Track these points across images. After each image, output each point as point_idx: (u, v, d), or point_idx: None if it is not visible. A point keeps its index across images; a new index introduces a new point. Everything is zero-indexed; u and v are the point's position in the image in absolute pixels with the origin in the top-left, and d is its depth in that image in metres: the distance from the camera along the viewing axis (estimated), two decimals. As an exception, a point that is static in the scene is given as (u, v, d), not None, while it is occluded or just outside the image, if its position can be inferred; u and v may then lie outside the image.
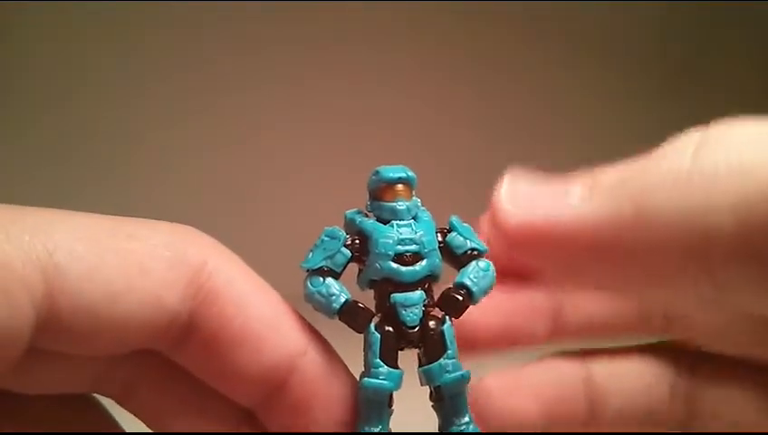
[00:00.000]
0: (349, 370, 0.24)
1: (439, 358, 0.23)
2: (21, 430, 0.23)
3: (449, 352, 0.23)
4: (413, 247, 0.23)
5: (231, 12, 0.78)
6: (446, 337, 0.23)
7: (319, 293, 0.23)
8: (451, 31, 0.84)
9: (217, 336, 0.22)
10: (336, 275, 0.23)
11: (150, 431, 0.25)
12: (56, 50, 0.77)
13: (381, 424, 0.23)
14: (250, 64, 0.81)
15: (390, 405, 0.23)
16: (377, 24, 0.82)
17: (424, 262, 0.23)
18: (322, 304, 0.23)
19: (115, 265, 0.20)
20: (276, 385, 0.23)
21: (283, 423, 0.23)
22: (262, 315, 0.22)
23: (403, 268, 0.23)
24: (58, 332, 0.20)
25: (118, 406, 0.25)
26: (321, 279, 0.23)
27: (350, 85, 0.82)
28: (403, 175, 0.23)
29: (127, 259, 0.20)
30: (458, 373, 0.23)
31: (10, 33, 0.76)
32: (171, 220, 0.23)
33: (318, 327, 0.24)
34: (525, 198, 0.22)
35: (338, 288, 0.23)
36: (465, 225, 0.24)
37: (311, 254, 0.23)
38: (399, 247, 0.23)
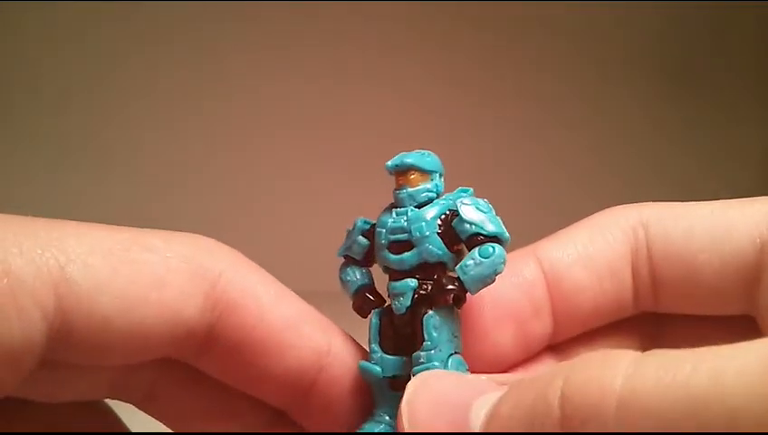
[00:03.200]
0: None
1: (419, 348, 0.22)
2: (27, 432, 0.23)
3: (426, 343, 0.22)
4: (402, 236, 0.23)
5: (242, 11, 0.79)
6: (425, 327, 0.22)
7: (342, 280, 0.24)
8: (458, 32, 0.84)
9: (239, 345, 0.22)
10: (359, 263, 0.24)
11: (156, 432, 0.26)
12: (61, 52, 0.77)
13: (388, 408, 0.23)
14: (263, 66, 0.81)
15: (397, 389, 0.23)
16: (389, 22, 0.82)
17: (413, 250, 0.23)
18: (345, 289, 0.24)
19: (129, 278, 0.20)
20: (305, 385, 0.23)
21: (317, 417, 0.23)
22: (281, 321, 0.22)
23: (392, 256, 0.23)
24: (71, 344, 0.20)
25: (124, 407, 0.25)
26: (346, 267, 0.24)
27: (362, 86, 0.82)
28: (399, 162, 0.23)
29: (141, 272, 0.20)
30: (426, 365, 0.22)
31: (12, 32, 0.76)
32: (189, 223, 0.23)
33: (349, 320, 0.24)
34: (429, 409, 0.20)
35: (357, 276, 0.24)
36: (481, 204, 0.23)
37: (342, 244, 0.24)
38: (391, 236, 0.23)
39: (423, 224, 0.23)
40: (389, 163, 0.23)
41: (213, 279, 0.21)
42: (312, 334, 0.23)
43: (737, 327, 0.24)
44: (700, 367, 0.15)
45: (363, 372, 0.23)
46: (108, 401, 0.25)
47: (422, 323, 0.22)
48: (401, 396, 0.22)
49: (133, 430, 0.25)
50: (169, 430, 0.25)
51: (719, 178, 0.86)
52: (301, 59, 0.81)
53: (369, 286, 0.24)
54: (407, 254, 0.23)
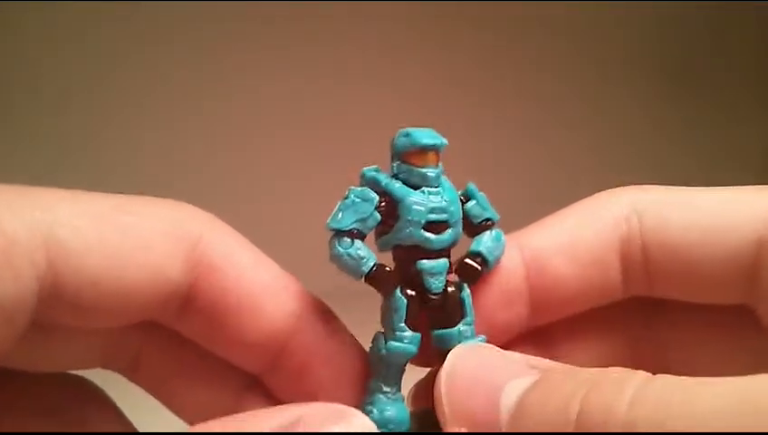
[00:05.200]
0: (346, 328, 0.24)
1: (458, 323, 0.23)
2: (18, 415, 0.23)
3: (468, 318, 0.23)
4: (443, 217, 0.23)
5: (242, 11, 0.79)
6: (466, 304, 0.23)
7: (348, 255, 0.23)
8: (458, 32, 0.84)
9: (216, 306, 0.23)
10: (363, 238, 0.23)
11: (152, 432, 0.26)
12: (61, 52, 0.77)
13: (398, 385, 0.23)
14: (263, 66, 0.81)
15: (405, 364, 0.24)
16: (389, 22, 0.82)
17: (450, 230, 0.23)
18: (351, 266, 0.23)
19: (116, 240, 0.21)
20: (278, 348, 0.23)
21: (290, 385, 0.24)
22: (258, 283, 0.23)
23: (433, 236, 0.23)
24: (61, 304, 0.20)
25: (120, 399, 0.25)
26: (350, 241, 0.23)
27: (362, 86, 0.82)
28: (438, 142, 0.23)
29: (127, 233, 0.21)
30: (472, 338, 0.23)
31: (12, 32, 0.76)
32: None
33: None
34: (466, 386, 0.21)
35: (367, 251, 0.23)
36: (480, 193, 0.24)
37: (340, 214, 0.23)
38: (431, 216, 0.23)
39: (458, 207, 0.23)
40: (428, 141, 0.23)
41: (193, 241, 0.22)
42: (286, 298, 0.23)
43: (732, 315, 0.24)
44: (685, 399, 0.17)
45: (393, 354, 0.23)
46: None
47: (462, 300, 0.23)
48: (403, 371, 0.23)
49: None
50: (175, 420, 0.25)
51: (719, 179, 0.86)
52: (301, 59, 0.82)
53: (380, 263, 0.23)
54: (446, 233, 0.23)
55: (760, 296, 0.23)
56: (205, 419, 0.24)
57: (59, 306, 0.20)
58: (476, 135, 0.84)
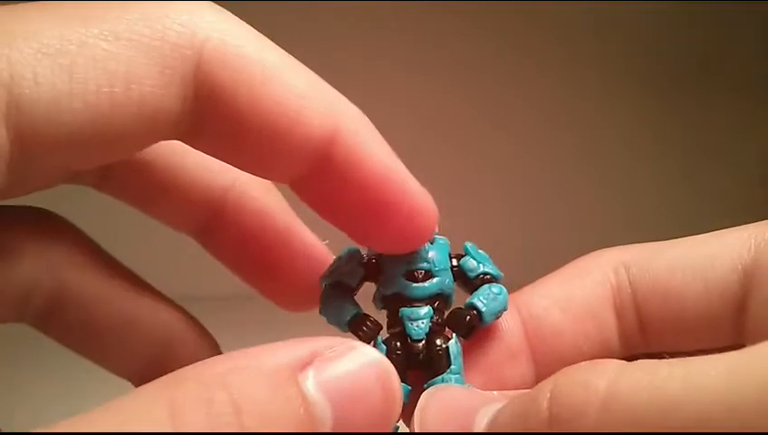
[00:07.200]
0: None
1: (443, 373, 0.23)
2: None
3: (453, 367, 0.23)
4: (424, 265, 0.24)
5: (242, 12, 0.78)
6: (451, 353, 0.23)
7: (333, 305, 0.24)
8: (457, 32, 0.84)
9: (238, 121, 0.20)
10: (351, 292, 0.24)
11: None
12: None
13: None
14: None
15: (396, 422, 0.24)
16: (389, 22, 0.82)
17: (434, 280, 0.24)
18: (335, 316, 0.24)
19: (88, 84, 0.17)
20: (321, 155, 0.21)
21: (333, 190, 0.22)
22: (289, 87, 0.21)
23: (412, 284, 0.24)
24: (36, 156, 0.18)
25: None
26: (335, 293, 0.24)
27: (362, 85, 0.81)
28: None
29: (102, 73, 0.18)
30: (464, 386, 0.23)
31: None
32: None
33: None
34: (439, 415, 0.21)
35: (350, 301, 0.24)
36: (480, 251, 0.25)
37: (328, 271, 0.24)
38: (411, 265, 0.24)
39: (443, 258, 0.24)
40: None
41: (191, 57, 0.19)
42: (325, 95, 0.22)
43: None
44: (675, 373, 0.16)
45: None
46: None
47: (447, 350, 0.23)
48: (397, 428, 0.23)
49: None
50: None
51: (720, 181, 0.86)
52: (300, 59, 0.81)
53: (364, 313, 0.24)
54: (429, 282, 0.24)
55: (749, 330, 0.23)
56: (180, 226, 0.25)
57: (33, 158, 0.18)
58: (477, 136, 0.84)
